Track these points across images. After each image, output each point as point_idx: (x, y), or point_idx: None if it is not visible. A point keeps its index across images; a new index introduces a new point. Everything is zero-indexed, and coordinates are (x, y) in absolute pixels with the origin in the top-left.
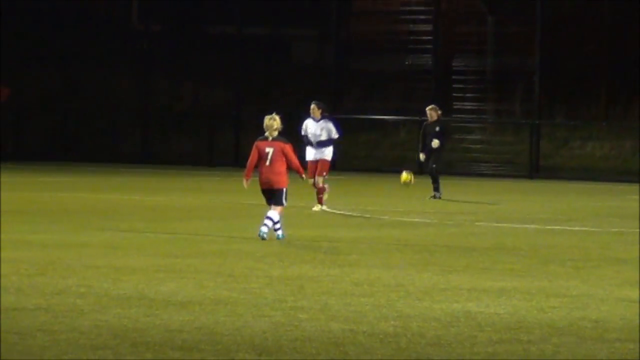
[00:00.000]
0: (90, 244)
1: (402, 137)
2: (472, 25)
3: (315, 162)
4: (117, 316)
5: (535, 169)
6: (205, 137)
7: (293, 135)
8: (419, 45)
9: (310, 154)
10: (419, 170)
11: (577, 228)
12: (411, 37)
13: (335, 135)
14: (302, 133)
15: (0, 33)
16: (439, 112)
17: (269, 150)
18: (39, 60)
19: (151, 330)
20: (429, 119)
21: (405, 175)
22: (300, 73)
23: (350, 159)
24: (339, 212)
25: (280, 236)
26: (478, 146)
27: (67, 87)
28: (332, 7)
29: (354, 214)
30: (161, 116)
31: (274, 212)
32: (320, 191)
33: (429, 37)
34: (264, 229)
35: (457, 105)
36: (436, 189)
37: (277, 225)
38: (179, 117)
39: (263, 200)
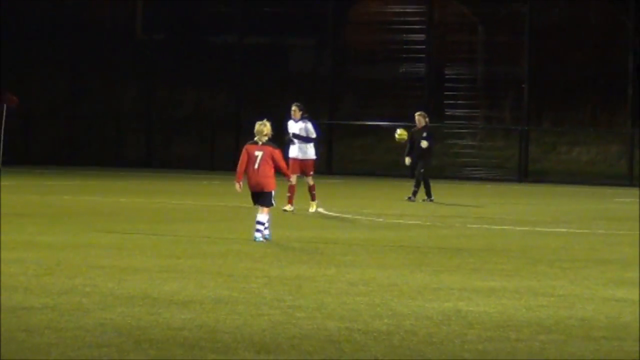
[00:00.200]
0: (96, 245)
1: (396, 142)
2: (463, 35)
3: (299, 160)
4: (121, 315)
5: (524, 173)
6: (207, 142)
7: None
8: (413, 54)
9: (294, 151)
10: (409, 172)
11: (564, 230)
12: (405, 46)
13: (313, 135)
14: (286, 135)
15: (11, 43)
16: (427, 118)
17: (258, 154)
18: (47, 69)
19: (154, 328)
20: (417, 124)
21: (400, 132)
22: (298, 80)
23: (346, 163)
24: (335, 214)
25: (267, 236)
26: (469, 151)
27: (74, 94)
28: (328, 17)
29: (350, 216)
30: (164, 122)
31: (263, 215)
32: (312, 188)
33: (422, 46)
34: (258, 235)
35: (449, 111)
36: (417, 192)
37: (266, 225)
38: (181, 122)
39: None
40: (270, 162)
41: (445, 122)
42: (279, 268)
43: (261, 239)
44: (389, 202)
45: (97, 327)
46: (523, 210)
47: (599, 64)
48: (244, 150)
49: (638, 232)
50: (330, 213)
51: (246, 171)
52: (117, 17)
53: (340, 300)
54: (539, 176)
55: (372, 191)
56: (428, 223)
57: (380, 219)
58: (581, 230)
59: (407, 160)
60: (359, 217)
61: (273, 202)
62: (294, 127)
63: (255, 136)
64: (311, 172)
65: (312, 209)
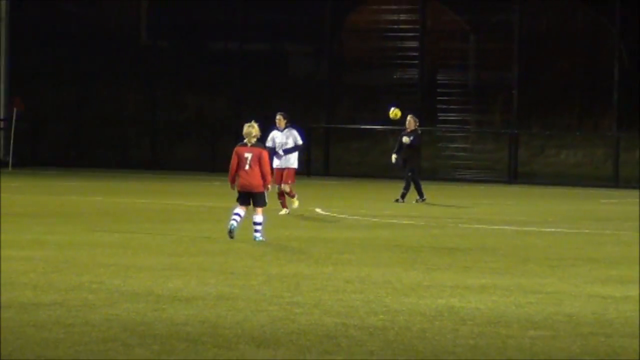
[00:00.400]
0: (102, 244)
1: (390, 145)
2: (455, 42)
3: (281, 169)
4: (127, 310)
5: (514, 175)
6: (208, 145)
7: None
8: (406, 61)
9: (276, 161)
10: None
11: (552, 230)
12: (399, 53)
13: (300, 141)
14: (268, 144)
15: (20, 51)
16: (417, 122)
17: (248, 155)
18: (54, 74)
19: (158, 324)
20: (407, 126)
21: (395, 111)
22: (297, 86)
23: (343, 165)
24: (332, 214)
25: (258, 238)
26: (461, 154)
27: (80, 99)
28: (326, 25)
29: (346, 216)
30: (167, 126)
31: (258, 216)
32: (288, 195)
33: (416, 53)
34: (257, 235)
35: (442, 116)
36: (406, 195)
37: (259, 227)
38: (183, 126)
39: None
40: (259, 163)
41: (438, 125)
42: (278, 266)
43: (260, 238)
44: (383, 203)
45: (104, 323)
46: (513, 210)
47: (586, 70)
48: (234, 153)
49: (626, 233)
50: (327, 213)
51: (237, 172)
52: (122, 25)
53: (337, 297)
54: (528, 178)
55: (367, 192)
56: (421, 223)
57: (375, 219)
58: (568, 230)
59: (394, 157)
60: (355, 217)
61: (266, 201)
62: (280, 136)
63: (244, 138)
64: (289, 181)
65: (294, 205)
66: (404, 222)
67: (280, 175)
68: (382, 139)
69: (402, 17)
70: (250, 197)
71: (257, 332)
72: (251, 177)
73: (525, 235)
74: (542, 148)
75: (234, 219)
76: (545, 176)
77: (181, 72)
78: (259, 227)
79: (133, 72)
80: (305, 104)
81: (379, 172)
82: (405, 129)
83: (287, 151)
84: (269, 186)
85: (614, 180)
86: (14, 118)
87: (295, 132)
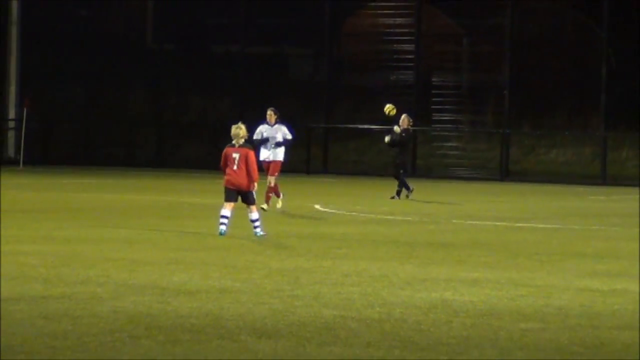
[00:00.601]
0: (109, 239)
1: (386, 145)
2: (449, 46)
3: (268, 162)
4: (133, 303)
5: (506, 173)
6: (211, 144)
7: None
8: (402, 63)
9: (264, 154)
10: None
11: (542, 225)
12: (395, 56)
13: (289, 136)
14: (255, 137)
15: (32, 55)
16: (411, 122)
17: (236, 155)
18: (65, 77)
19: (163, 316)
20: (401, 123)
21: (389, 108)
22: (297, 87)
23: (341, 164)
24: (330, 210)
25: (259, 233)
26: (455, 152)
27: (89, 100)
28: (325, 29)
29: (344, 212)
30: (172, 126)
31: (254, 213)
32: (270, 190)
33: (411, 56)
34: (258, 230)
35: (436, 116)
36: (401, 192)
37: (258, 223)
38: (188, 126)
39: (260, 201)
40: (245, 163)
41: (433, 126)
42: (279, 260)
43: (261, 232)
44: (380, 199)
45: (111, 315)
46: (504, 207)
47: (575, 72)
48: (223, 153)
49: (613, 228)
50: (326, 210)
51: (226, 171)
52: (129, 29)
53: (335, 290)
54: (519, 176)
55: (364, 190)
56: (416, 219)
57: (372, 215)
58: (557, 226)
59: (387, 138)
60: (353, 213)
61: (254, 198)
62: (270, 131)
63: (233, 139)
64: (275, 173)
65: (265, 206)
66: (400, 218)
67: (266, 166)
68: (379, 139)
69: (398, 21)
70: (237, 194)
71: (259, 323)
72: (239, 176)
73: (516, 231)
74: (532, 147)
75: (222, 223)
76: (535, 174)
77: (185, 74)
78: (257, 224)
79: (139, 74)
80: (305, 105)
81: (376, 170)
82: (400, 126)
83: (278, 144)
84: (256, 184)
85: (602, 177)
86: (24, 118)
87: (284, 128)
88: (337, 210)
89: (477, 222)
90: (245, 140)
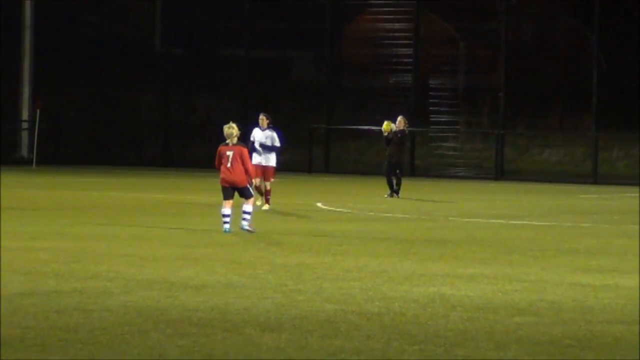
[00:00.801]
0: (119, 236)
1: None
2: (446, 49)
3: (261, 167)
4: (142, 297)
5: (500, 172)
6: (217, 144)
7: (289, 141)
8: (401, 66)
9: (256, 158)
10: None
11: (536, 223)
12: (394, 59)
13: (277, 144)
14: (251, 139)
15: (44, 58)
16: (407, 124)
17: (229, 153)
18: (76, 79)
19: (171, 310)
20: (397, 124)
21: (386, 126)
22: (299, 89)
23: (342, 163)
24: (332, 208)
25: (244, 227)
26: (451, 152)
27: (99, 102)
28: (327, 33)
29: (345, 210)
30: (179, 126)
31: (248, 205)
32: (268, 193)
33: (410, 59)
34: (245, 223)
35: (434, 117)
36: (399, 191)
37: (248, 217)
38: (194, 127)
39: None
40: (240, 160)
41: (430, 127)
42: (282, 256)
43: (247, 227)
44: (379, 198)
45: (120, 309)
46: (499, 205)
47: (567, 74)
48: (217, 153)
49: (604, 225)
50: (327, 207)
51: (221, 170)
52: (138, 33)
53: (337, 285)
54: (514, 175)
55: (364, 188)
56: (415, 217)
57: (372, 213)
58: (551, 223)
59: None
60: (353, 211)
61: (251, 193)
62: (260, 135)
63: (226, 139)
64: (271, 179)
65: (264, 207)
66: (399, 215)
67: (261, 170)
68: (378, 139)
69: (397, 26)
70: (233, 191)
71: (263, 317)
72: (233, 173)
73: (511, 228)
74: (526, 147)
75: (225, 222)
76: (529, 173)
77: (192, 77)
78: (247, 217)
79: (148, 76)
80: (307, 107)
81: (375, 169)
82: (396, 127)
83: (264, 147)
84: (253, 180)
85: (593, 177)
86: (37, 119)
87: (274, 135)
88: (338, 208)
89: (473, 220)
90: (238, 138)
